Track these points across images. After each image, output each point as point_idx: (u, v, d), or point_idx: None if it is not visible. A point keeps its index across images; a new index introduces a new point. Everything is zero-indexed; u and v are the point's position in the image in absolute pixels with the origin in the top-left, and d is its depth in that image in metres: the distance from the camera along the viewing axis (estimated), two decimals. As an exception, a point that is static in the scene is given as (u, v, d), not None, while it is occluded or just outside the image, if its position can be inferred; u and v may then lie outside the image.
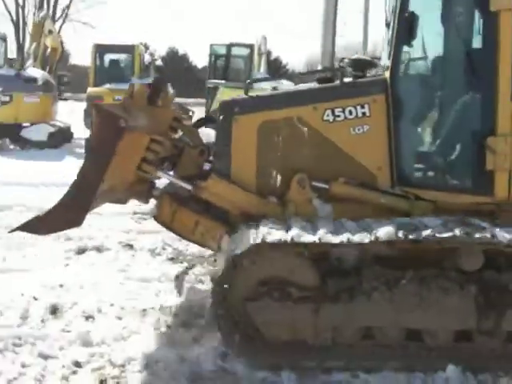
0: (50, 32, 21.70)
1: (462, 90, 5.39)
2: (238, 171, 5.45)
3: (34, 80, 19.19)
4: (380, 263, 4.93)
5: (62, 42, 23.34)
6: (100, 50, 21.09)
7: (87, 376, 4.73)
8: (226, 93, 16.71)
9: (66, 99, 23.20)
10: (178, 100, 10.89)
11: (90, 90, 19.91)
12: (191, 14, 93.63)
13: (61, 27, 42.05)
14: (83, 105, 19.88)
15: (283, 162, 5.43)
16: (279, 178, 5.42)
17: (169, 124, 5.86)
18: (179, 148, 5.83)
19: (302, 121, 5.38)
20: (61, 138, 19.46)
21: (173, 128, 5.93)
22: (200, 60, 54.69)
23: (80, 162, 4.86)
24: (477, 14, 5.29)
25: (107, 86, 19.53)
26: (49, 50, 21.76)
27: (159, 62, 39.33)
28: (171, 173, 5.73)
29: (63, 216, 4.64)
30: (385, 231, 4.71)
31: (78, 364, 4.88)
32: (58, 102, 21.01)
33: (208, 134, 6.51)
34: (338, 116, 5.31)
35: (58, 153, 17.96)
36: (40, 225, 4.69)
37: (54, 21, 34.36)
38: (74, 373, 4.77)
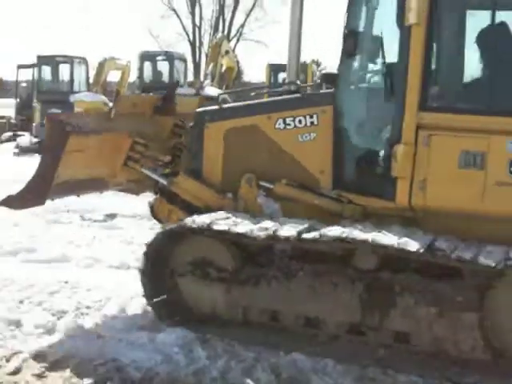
0: (227, 52, 22.79)
1: (386, 101, 5.57)
2: (208, 170, 6.20)
3: (212, 99, 19.97)
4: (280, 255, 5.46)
5: (237, 62, 24.40)
6: (273, 68, 21.93)
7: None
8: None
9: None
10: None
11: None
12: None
13: (235, 46, 43.68)
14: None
15: (241, 163, 6.05)
16: (237, 177, 5.99)
17: (170, 129, 6.78)
18: (179, 150, 6.71)
19: (257, 128, 5.99)
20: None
21: (175, 133, 6.81)
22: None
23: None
24: (397, 30, 5.47)
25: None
26: (224, 68, 22.82)
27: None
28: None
29: (27, 197, 5.52)
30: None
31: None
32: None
33: None
34: (289, 124, 5.85)
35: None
36: (12, 202, 5.51)
37: (228, 40, 35.74)
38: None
